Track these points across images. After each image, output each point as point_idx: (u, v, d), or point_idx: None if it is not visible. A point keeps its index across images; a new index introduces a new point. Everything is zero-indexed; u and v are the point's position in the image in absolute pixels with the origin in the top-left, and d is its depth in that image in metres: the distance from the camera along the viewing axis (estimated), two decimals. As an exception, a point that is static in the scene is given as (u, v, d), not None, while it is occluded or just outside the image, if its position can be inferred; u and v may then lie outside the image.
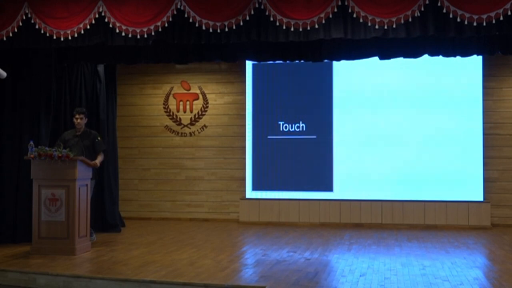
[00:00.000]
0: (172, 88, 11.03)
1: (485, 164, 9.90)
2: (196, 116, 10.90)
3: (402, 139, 10.10)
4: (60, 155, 7.00)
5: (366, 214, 10.05)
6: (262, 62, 10.18)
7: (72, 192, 7.09)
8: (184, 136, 10.94)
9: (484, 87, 9.96)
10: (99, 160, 7.74)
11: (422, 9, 6.54)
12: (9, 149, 8.06)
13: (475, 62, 9.84)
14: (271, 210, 10.36)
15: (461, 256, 7.20)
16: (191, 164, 10.87)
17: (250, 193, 10.54)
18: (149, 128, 11.07)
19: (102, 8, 7.18)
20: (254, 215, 10.40)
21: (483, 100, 9.95)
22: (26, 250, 7.30)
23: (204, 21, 6.95)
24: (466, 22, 6.45)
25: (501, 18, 6.38)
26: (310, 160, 10.34)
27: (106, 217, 9.25)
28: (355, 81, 10.29)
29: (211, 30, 6.96)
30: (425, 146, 10.03)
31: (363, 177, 10.15)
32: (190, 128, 10.92)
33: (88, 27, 7.22)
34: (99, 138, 7.97)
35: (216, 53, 8.69)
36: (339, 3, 6.70)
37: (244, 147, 10.64)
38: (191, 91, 10.97)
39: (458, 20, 6.47)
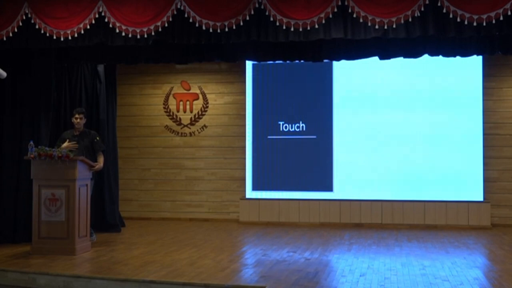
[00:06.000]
0: (172, 88, 11.03)
1: (485, 164, 9.90)
2: (196, 116, 10.90)
3: (402, 139, 10.10)
4: (60, 155, 7.01)
5: (366, 214, 10.05)
6: (262, 62, 10.19)
7: (72, 192, 7.09)
8: (184, 136, 10.94)
9: (484, 87, 9.96)
10: (102, 162, 7.74)
11: (422, 9, 6.54)
12: (9, 149, 8.06)
13: (475, 62, 9.84)
14: (271, 210, 10.36)
15: (461, 256, 7.20)
16: (191, 164, 10.87)
17: (250, 193, 10.53)
18: (149, 128, 11.07)
19: (102, 8, 7.18)
20: (254, 215, 10.40)
21: (483, 100, 9.95)
22: (26, 250, 7.30)
23: (204, 21, 6.95)
24: (466, 22, 6.45)
25: (501, 18, 6.38)
26: (310, 160, 10.34)
27: (106, 217, 9.25)
28: (355, 81, 10.29)
29: (211, 30, 6.96)
30: (425, 146, 10.03)
31: (363, 177, 10.15)
32: (190, 128, 10.92)
33: (88, 27, 7.22)
34: (98, 138, 7.98)
35: (216, 53, 8.69)
36: (339, 3, 6.70)
37: (244, 147, 10.64)
38: (191, 91, 10.97)
39: (458, 20, 6.47)
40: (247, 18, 6.87)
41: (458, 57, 8.58)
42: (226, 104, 10.84)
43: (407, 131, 10.09)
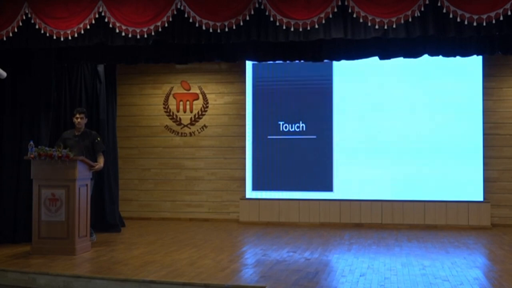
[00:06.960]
0: (172, 88, 11.03)
1: (485, 164, 9.90)
2: (196, 116, 10.90)
3: (402, 139, 10.09)
4: (60, 155, 7.01)
5: (366, 214, 10.05)
6: (262, 62, 10.19)
7: (72, 192, 7.09)
8: (184, 136, 10.94)
9: (484, 87, 9.96)
10: (102, 162, 7.74)
11: (422, 9, 6.54)
12: (9, 149, 8.06)
13: (475, 62, 9.84)
14: (271, 210, 10.36)
15: (461, 256, 7.20)
16: (191, 164, 10.87)
17: (250, 193, 10.53)
18: (149, 128, 11.07)
19: (102, 8, 7.18)
20: (254, 215, 10.40)
21: (483, 100, 9.95)
22: (26, 250, 7.30)
23: (204, 21, 6.95)
24: (466, 22, 6.45)
25: (501, 18, 6.38)
26: (310, 160, 10.34)
27: (106, 217, 9.25)
28: (355, 81, 10.29)
29: (211, 30, 6.96)
30: (425, 146, 10.02)
31: (363, 177, 10.14)
32: (190, 128, 10.92)
33: (88, 27, 7.22)
34: (98, 139, 7.98)
35: (216, 53, 8.69)
36: (339, 3, 6.70)
37: (244, 147, 10.64)
38: (191, 91, 10.97)
39: (458, 20, 6.47)
40: (247, 18, 6.87)
41: (458, 57, 8.58)
42: (226, 104, 10.84)
43: (407, 131, 10.08)
